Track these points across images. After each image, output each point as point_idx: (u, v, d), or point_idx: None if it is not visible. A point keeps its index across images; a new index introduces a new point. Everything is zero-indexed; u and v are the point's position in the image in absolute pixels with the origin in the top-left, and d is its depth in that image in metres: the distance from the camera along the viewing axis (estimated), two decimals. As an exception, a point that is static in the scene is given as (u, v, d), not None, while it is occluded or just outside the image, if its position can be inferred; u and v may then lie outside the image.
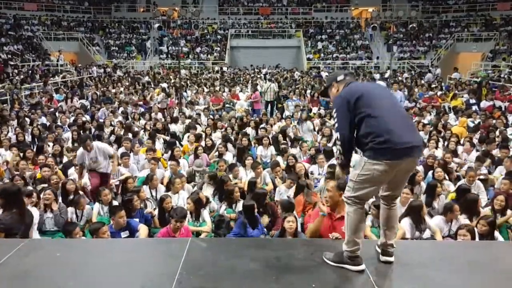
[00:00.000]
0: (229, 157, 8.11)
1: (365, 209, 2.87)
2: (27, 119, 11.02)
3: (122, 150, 8.10)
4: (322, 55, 28.16)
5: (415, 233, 4.85)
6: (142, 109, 12.89)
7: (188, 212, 5.42)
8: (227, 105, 14.10)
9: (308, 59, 27.41)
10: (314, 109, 13.18)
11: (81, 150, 6.45)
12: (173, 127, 10.70)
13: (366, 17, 32.12)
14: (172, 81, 18.83)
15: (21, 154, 7.61)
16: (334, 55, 27.89)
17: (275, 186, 6.63)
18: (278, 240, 4.25)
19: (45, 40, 26.32)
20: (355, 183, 2.71)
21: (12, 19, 26.44)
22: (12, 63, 18.80)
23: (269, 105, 14.47)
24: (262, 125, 10.43)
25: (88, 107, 13.48)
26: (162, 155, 8.42)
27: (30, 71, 18.71)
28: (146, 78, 20.01)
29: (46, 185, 6.31)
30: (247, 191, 6.22)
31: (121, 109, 12.68)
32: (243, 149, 8.23)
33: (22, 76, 17.29)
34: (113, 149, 6.82)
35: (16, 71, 17.88)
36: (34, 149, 8.30)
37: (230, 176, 6.81)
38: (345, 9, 32.25)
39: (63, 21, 29.26)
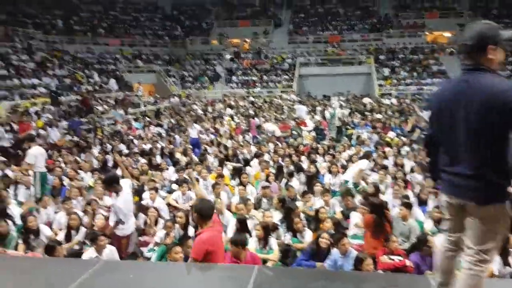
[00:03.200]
0: (295, 184, 8.01)
1: None
2: (108, 145, 11.83)
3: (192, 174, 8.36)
4: (394, 81, 27.38)
5: (503, 268, 4.40)
6: (213, 136, 13.29)
7: (256, 239, 5.40)
8: (294, 132, 14.09)
9: (380, 85, 26.77)
10: (391, 134, 12.69)
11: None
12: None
13: (442, 42, 30.89)
14: (241, 110, 19.29)
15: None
16: (408, 81, 27.00)
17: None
18: (349, 273, 4.05)
19: (127, 73, 28.45)
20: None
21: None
22: (97, 95, 20.44)
23: (338, 131, 14.28)
24: (330, 152, 10.25)
25: (164, 134, 14.16)
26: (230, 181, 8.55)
27: (114, 102, 20.26)
28: (220, 106, 20.73)
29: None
30: (314, 219, 6.08)
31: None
32: (312, 176, 8.10)
33: (106, 107, 18.74)
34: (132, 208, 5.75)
35: (100, 101, 19.39)
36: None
37: (300, 203, 6.71)
38: (419, 35, 31.25)
39: (143, 55, 31.51)
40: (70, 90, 19.38)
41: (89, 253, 4.98)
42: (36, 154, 7.96)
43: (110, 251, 5.02)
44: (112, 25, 33.90)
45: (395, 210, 6.34)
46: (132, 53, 31.07)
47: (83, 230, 6.02)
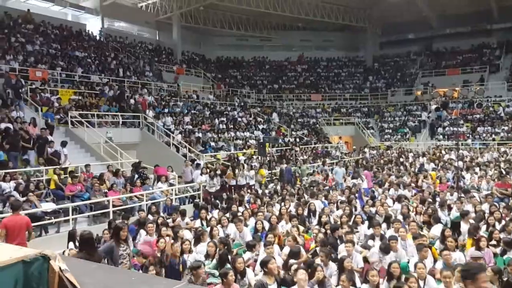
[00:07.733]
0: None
1: None
2: (305, 195, 12.10)
3: (391, 232, 7.73)
4: None
5: None
6: (415, 192, 12.22)
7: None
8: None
9: None
10: None
11: None
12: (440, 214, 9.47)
13: None
14: (449, 165, 17.22)
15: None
16: None
17: None
18: None
19: (326, 125, 29.55)
20: None
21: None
22: (296, 148, 21.70)
23: None
24: None
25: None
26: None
27: (311, 152, 21.14)
28: (423, 159, 19.17)
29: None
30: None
31: (392, 190, 12.39)
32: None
33: (305, 157, 19.63)
34: None
35: (300, 152, 20.48)
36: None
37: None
38: None
39: (342, 108, 32.29)
40: (275, 142, 21.12)
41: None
42: None
43: None
44: (315, 81, 36.22)
45: None
46: (332, 107, 32.26)
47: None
